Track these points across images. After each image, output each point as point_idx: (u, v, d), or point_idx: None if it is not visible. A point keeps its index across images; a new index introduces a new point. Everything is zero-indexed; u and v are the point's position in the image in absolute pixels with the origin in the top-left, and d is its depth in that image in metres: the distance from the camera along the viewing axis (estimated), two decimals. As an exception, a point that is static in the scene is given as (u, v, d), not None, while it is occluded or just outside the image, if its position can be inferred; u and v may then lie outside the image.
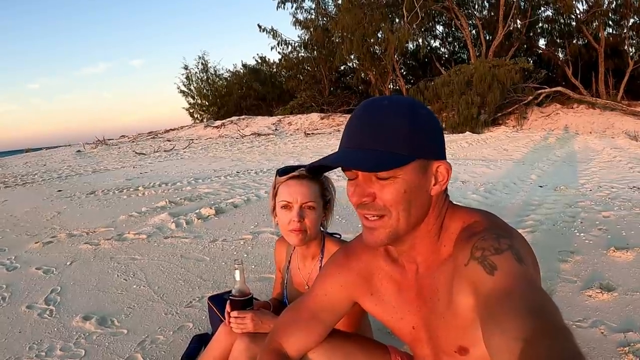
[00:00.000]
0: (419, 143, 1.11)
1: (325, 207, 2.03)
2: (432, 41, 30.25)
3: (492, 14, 25.64)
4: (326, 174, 2.06)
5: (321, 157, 1.15)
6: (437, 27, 29.41)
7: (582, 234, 4.32)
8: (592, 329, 2.58)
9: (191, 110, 37.83)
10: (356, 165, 1.10)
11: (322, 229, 2.07)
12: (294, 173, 1.96)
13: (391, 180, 1.10)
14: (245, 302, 1.86)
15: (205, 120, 33.49)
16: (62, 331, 2.90)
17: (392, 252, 1.35)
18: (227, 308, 1.88)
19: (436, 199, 1.20)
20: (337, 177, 7.28)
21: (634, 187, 6.44)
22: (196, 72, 36.93)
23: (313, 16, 28.66)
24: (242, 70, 36.99)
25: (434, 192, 1.17)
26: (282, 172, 1.95)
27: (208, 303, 2.54)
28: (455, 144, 14.26)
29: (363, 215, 1.17)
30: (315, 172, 1.18)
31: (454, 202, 1.28)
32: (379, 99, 1.17)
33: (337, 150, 1.17)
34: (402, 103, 1.15)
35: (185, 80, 37.09)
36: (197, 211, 5.87)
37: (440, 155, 1.17)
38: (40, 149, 25.93)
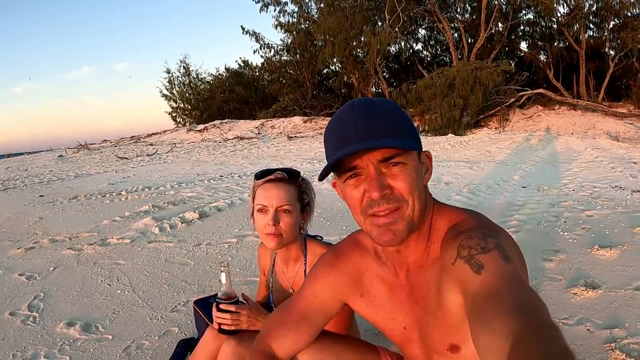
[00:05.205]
0: (414, 134, 1.18)
1: (303, 210, 2.00)
2: (415, 44, 30.59)
3: (474, 17, 25.94)
4: (305, 177, 2.05)
5: (329, 161, 1.14)
6: (419, 30, 29.72)
7: (566, 233, 4.36)
8: (578, 326, 2.60)
9: (174, 114, 37.66)
10: (393, 145, 1.10)
11: (302, 232, 2.05)
12: (270, 176, 1.95)
13: (402, 166, 1.12)
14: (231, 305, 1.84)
15: (188, 124, 33.39)
16: (46, 338, 2.86)
17: (382, 254, 1.35)
18: (214, 311, 1.85)
19: (426, 190, 1.23)
20: (325, 181, 7.25)
21: (616, 186, 6.51)
22: (178, 76, 36.80)
23: (295, 20, 28.73)
24: (224, 74, 36.93)
25: (425, 181, 1.21)
26: (260, 175, 1.97)
27: (194, 307, 2.51)
28: (438, 146, 14.34)
29: (375, 214, 1.14)
30: (322, 177, 1.17)
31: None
32: (367, 98, 1.19)
33: (335, 150, 1.14)
34: (389, 101, 1.21)
35: (167, 84, 36.95)
36: (180, 215, 5.82)
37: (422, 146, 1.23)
38: (22, 154, 25.64)
